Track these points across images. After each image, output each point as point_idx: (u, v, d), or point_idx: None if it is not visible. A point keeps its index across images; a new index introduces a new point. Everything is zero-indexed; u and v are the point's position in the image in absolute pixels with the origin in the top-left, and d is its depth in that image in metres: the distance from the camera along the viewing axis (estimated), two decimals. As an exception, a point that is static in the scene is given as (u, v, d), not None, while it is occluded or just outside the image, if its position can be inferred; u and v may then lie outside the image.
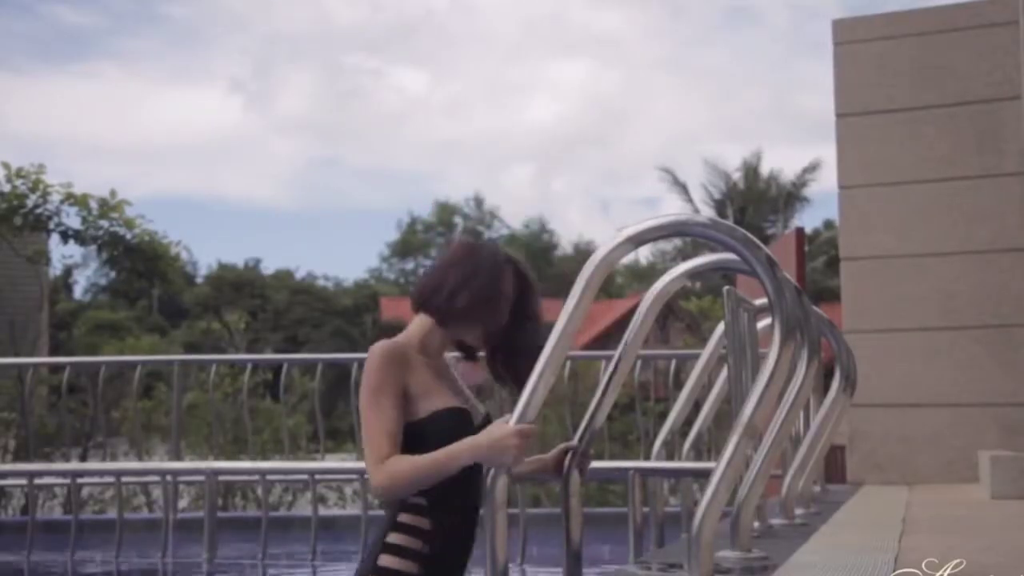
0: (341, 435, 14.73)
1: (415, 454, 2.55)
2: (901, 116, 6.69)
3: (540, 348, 2.51)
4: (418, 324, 2.72)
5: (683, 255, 29.54)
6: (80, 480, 7.01)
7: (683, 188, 33.31)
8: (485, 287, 2.70)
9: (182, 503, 8.29)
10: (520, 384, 2.73)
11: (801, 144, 57.30)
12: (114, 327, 32.45)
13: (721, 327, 3.60)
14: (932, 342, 6.46)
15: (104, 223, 9.82)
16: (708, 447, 6.69)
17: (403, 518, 2.62)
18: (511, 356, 2.74)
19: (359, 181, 78.25)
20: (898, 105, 6.70)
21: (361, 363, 7.82)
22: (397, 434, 2.56)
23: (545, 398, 2.42)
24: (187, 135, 71.78)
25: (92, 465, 7.68)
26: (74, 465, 7.62)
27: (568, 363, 7.31)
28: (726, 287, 3.08)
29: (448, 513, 2.62)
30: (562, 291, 2.53)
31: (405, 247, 57.79)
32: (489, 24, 76.22)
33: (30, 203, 9.59)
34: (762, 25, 75.10)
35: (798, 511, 3.98)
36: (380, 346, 2.63)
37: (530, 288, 2.77)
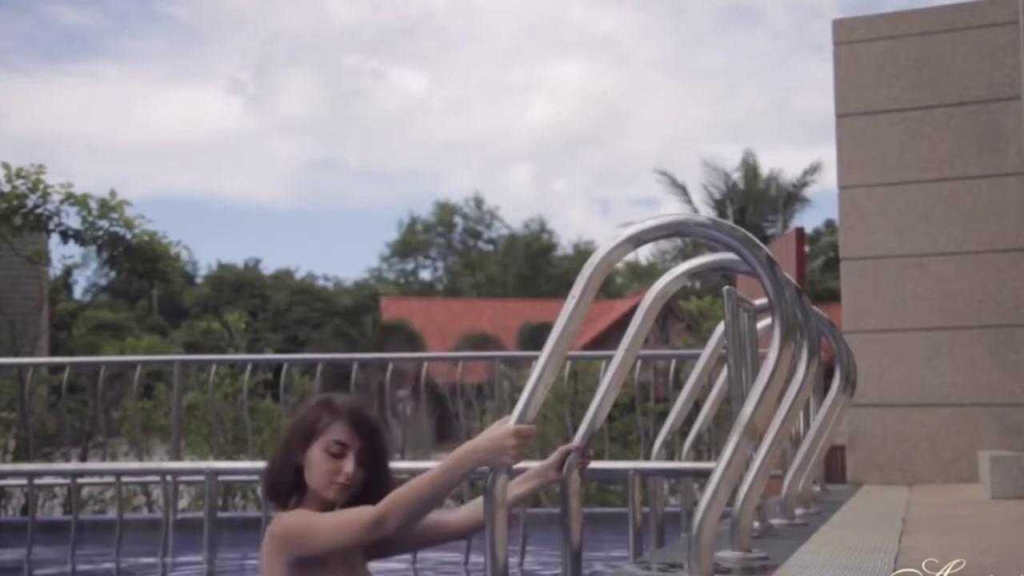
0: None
1: None
2: (901, 116, 6.68)
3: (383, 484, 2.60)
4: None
5: (683, 255, 29.53)
6: (80, 480, 7.00)
7: (682, 190, 33.32)
8: (280, 450, 2.73)
9: (182, 503, 8.28)
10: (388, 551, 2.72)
11: (801, 144, 57.47)
12: (114, 327, 32.47)
13: (721, 327, 3.60)
14: (932, 342, 6.45)
15: (104, 223, 9.80)
16: (708, 447, 6.70)
17: None
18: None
19: (359, 181, 78.39)
20: (898, 105, 6.70)
21: (362, 363, 7.81)
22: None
23: (545, 398, 2.42)
24: (187, 135, 71.97)
25: (92, 465, 7.67)
26: (74, 465, 7.61)
27: (568, 363, 7.32)
28: (726, 287, 3.08)
29: None
30: (562, 291, 2.53)
31: (405, 247, 57.82)
32: (489, 24, 76.28)
33: (30, 203, 9.57)
34: (762, 25, 75.21)
35: (798, 511, 3.97)
36: (280, 516, 2.65)
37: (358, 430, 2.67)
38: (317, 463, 2.64)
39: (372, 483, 2.67)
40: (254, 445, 7.59)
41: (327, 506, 2.68)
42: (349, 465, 2.63)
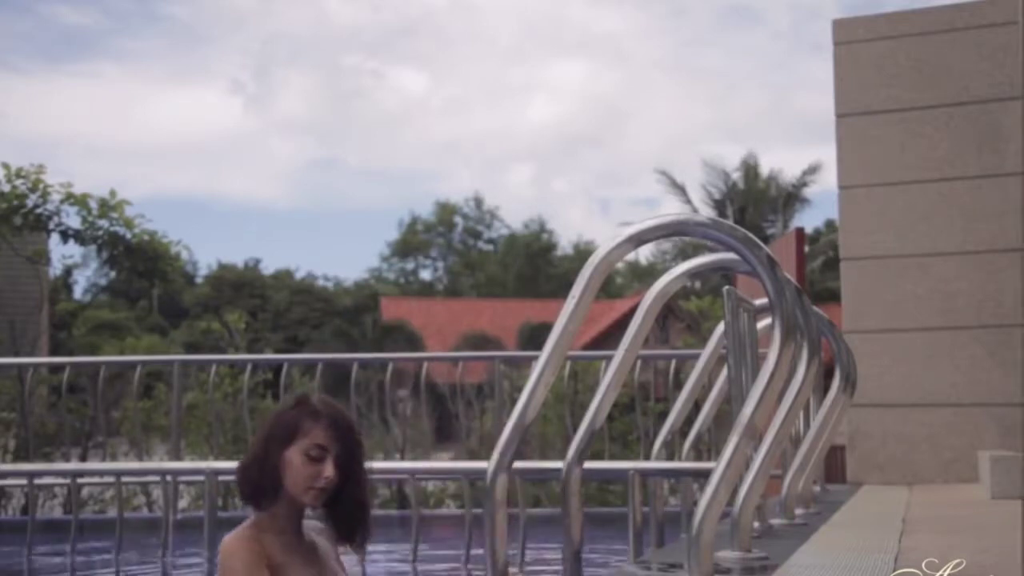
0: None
1: None
2: (901, 116, 6.68)
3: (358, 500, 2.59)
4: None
5: (683, 255, 29.52)
6: (80, 480, 7.00)
7: (682, 190, 33.29)
8: (257, 456, 2.65)
9: (182, 503, 8.28)
10: (346, 539, 2.70)
11: (801, 144, 57.48)
12: (114, 327, 32.44)
13: (721, 327, 3.60)
14: (932, 342, 6.45)
15: (104, 223, 9.80)
16: (708, 447, 6.70)
17: None
18: (333, 509, 2.67)
19: (359, 181, 78.36)
20: (898, 105, 6.70)
21: (362, 363, 7.81)
22: None
23: (545, 398, 2.42)
24: (187, 135, 71.93)
25: (92, 465, 7.67)
26: (74, 465, 7.61)
27: (568, 363, 7.32)
28: (726, 287, 3.08)
29: None
30: (562, 291, 2.53)
31: (405, 247, 57.80)
32: (489, 24, 76.26)
33: (30, 203, 9.57)
34: (762, 25, 75.20)
35: (798, 511, 3.98)
36: (227, 545, 2.60)
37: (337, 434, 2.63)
38: (296, 467, 2.59)
39: (347, 487, 2.65)
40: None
41: (301, 509, 2.66)
42: (329, 469, 2.58)
